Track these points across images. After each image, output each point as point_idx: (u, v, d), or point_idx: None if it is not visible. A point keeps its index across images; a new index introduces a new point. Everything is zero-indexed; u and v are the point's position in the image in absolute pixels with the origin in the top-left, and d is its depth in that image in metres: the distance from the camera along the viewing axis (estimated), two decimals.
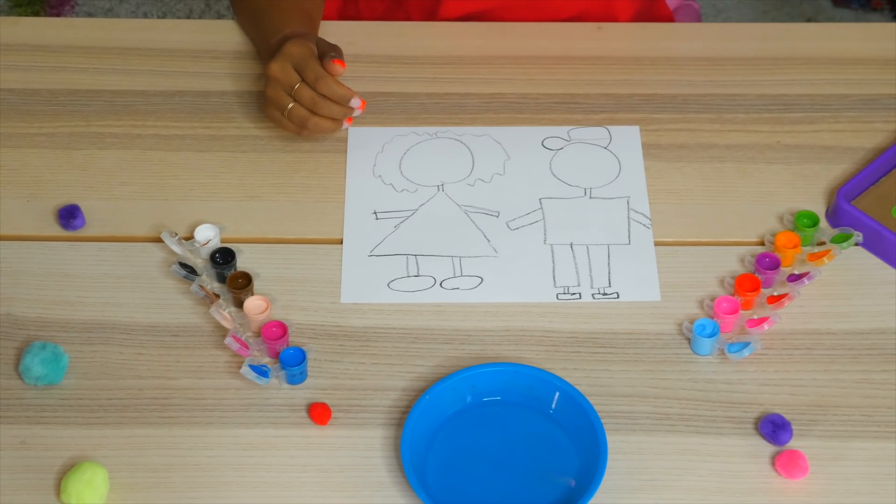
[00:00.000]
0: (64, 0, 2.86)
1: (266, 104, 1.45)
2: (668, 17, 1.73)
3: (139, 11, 2.83)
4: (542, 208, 1.44)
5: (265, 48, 1.51)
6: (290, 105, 1.43)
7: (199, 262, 1.38)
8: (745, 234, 1.42)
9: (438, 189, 1.46)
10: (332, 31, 1.62)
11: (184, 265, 1.36)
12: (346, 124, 1.45)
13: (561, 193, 1.45)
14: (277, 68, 1.42)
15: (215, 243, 1.39)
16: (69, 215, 1.41)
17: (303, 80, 1.42)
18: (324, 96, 1.42)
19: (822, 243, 1.39)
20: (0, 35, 1.61)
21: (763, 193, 1.45)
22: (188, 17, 2.77)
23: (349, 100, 1.43)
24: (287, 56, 1.43)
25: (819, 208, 1.44)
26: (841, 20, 2.75)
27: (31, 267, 1.39)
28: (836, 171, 1.47)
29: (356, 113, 1.44)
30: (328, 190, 1.46)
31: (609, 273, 1.38)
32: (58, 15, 2.81)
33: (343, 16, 1.73)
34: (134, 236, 1.42)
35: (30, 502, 1.22)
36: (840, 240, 1.37)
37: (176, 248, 1.38)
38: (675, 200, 1.45)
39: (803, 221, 1.39)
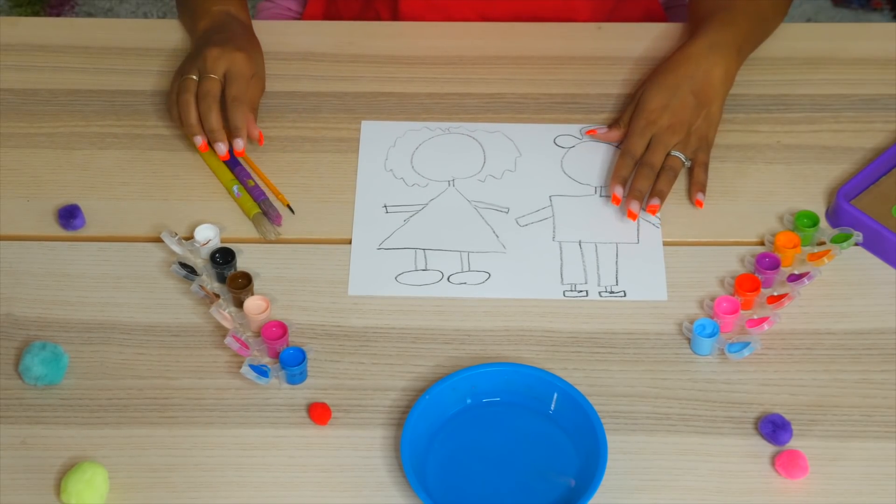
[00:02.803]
0: (64, 0, 2.86)
1: (178, 72, 1.48)
2: (660, 16, 1.73)
3: (139, 11, 2.83)
4: (551, 205, 1.44)
5: (200, 12, 1.53)
6: (193, 76, 1.44)
7: (199, 262, 1.38)
8: (745, 234, 1.42)
9: (449, 184, 1.46)
10: (331, 31, 1.62)
11: (184, 265, 1.36)
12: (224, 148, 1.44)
13: (571, 191, 1.45)
14: (213, 55, 1.44)
15: (215, 243, 1.39)
16: (69, 215, 1.41)
17: (223, 83, 1.45)
18: (217, 107, 1.43)
19: (822, 243, 1.39)
20: (0, 35, 1.61)
21: (763, 193, 1.45)
22: None
23: (236, 133, 1.43)
24: (230, 58, 1.45)
25: (819, 208, 1.43)
26: (841, 20, 2.75)
27: (31, 267, 1.39)
28: (836, 171, 1.47)
29: (221, 150, 1.44)
30: (328, 190, 1.45)
31: (617, 272, 1.38)
32: (58, 15, 2.81)
33: (326, 16, 1.73)
34: (134, 236, 1.42)
35: (30, 502, 1.22)
36: (840, 240, 1.37)
37: (176, 248, 1.38)
38: (676, 200, 1.45)
39: (803, 221, 1.39)
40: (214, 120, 1.43)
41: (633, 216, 1.40)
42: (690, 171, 1.45)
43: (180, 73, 1.47)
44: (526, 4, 1.64)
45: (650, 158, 1.43)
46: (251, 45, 1.50)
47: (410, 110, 1.53)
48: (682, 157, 1.43)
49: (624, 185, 1.42)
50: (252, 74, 1.47)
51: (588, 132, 1.48)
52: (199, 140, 1.44)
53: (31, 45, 1.60)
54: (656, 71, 1.49)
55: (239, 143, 1.43)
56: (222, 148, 1.43)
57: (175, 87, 1.46)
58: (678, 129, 1.44)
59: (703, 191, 1.43)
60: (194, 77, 1.45)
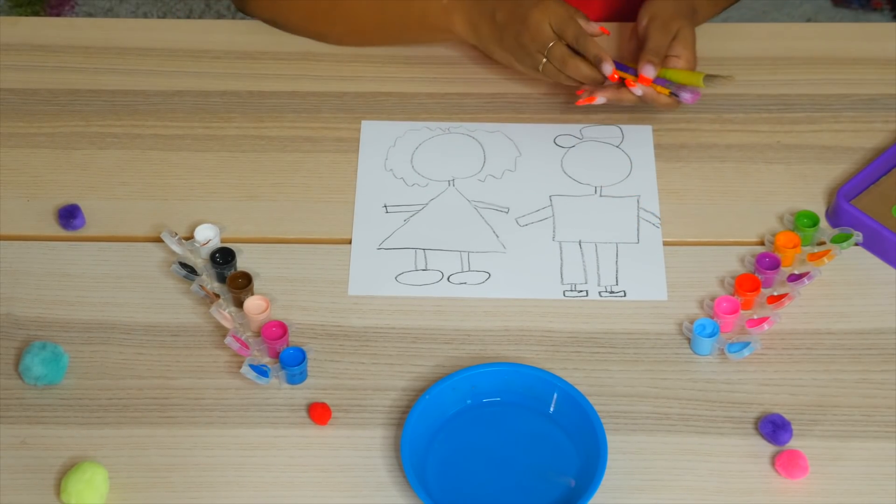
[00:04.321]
0: (64, 0, 2.86)
1: (517, 57, 1.47)
2: None
3: (139, 11, 2.83)
4: (551, 205, 1.44)
5: (429, 14, 1.52)
6: (543, 62, 1.44)
7: (199, 262, 1.38)
8: (745, 234, 1.42)
9: (449, 184, 1.46)
10: None
11: (184, 265, 1.36)
12: (599, 99, 1.45)
13: (571, 191, 1.45)
14: (532, 31, 1.43)
15: (215, 243, 1.39)
16: (69, 215, 1.41)
17: (558, 37, 1.43)
18: (576, 55, 1.43)
19: (822, 243, 1.39)
20: (0, 35, 1.61)
21: (763, 193, 1.45)
22: (188, 17, 2.77)
23: (601, 62, 1.43)
24: (539, 17, 1.43)
25: (819, 208, 1.44)
26: (841, 20, 2.75)
27: (31, 267, 1.39)
28: (836, 171, 1.47)
29: (599, 96, 1.45)
30: (328, 189, 1.46)
31: (617, 271, 1.38)
32: (58, 15, 2.81)
33: None
34: (134, 236, 1.42)
35: (30, 502, 1.22)
36: (840, 240, 1.37)
37: (176, 248, 1.38)
38: (675, 200, 1.45)
39: (803, 221, 1.39)
40: (586, 70, 1.43)
41: (646, 81, 1.43)
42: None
43: (527, 67, 1.46)
44: None
45: (684, 43, 1.45)
46: None
47: (410, 110, 1.53)
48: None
49: (655, 64, 1.44)
50: (573, 13, 1.45)
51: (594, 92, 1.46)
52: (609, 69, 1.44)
53: (31, 45, 1.60)
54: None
55: (607, 68, 1.43)
56: (606, 76, 1.44)
57: (539, 78, 1.48)
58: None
59: (656, 63, 1.44)
60: (546, 62, 1.44)
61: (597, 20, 1.65)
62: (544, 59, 1.44)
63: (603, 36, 1.47)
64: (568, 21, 1.44)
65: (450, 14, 1.51)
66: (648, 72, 1.43)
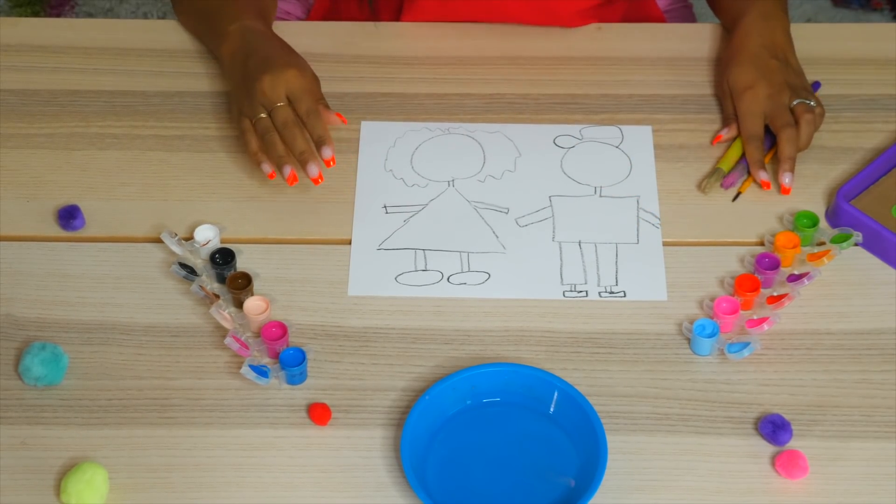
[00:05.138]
0: (64, 0, 2.86)
1: (238, 112, 1.44)
2: (658, 18, 1.73)
3: (139, 11, 2.83)
4: (551, 206, 1.44)
5: (219, 35, 1.50)
6: (262, 115, 1.41)
7: (199, 262, 1.38)
8: (745, 234, 1.42)
9: (449, 184, 1.46)
10: (332, 31, 1.63)
11: (184, 265, 1.36)
12: (315, 171, 1.39)
13: (571, 191, 1.45)
14: (268, 85, 1.41)
15: (215, 243, 1.39)
16: (69, 216, 1.41)
17: (291, 105, 1.41)
18: (300, 129, 1.40)
19: (822, 243, 1.39)
20: (0, 35, 1.61)
21: (763, 193, 1.45)
22: None
23: (321, 143, 1.39)
24: (284, 80, 1.41)
25: (819, 208, 1.44)
26: (841, 20, 2.75)
27: (31, 267, 1.39)
28: (835, 171, 1.47)
29: (313, 171, 1.39)
30: (328, 190, 1.45)
31: (616, 272, 1.38)
32: (58, 15, 2.81)
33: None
34: (134, 236, 1.42)
35: (30, 502, 1.22)
36: (840, 240, 1.37)
37: (176, 249, 1.38)
38: (675, 200, 1.45)
39: (803, 221, 1.39)
40: (302, 142, 1.40)
41: (786, 191, 1.43)
42: (779, 143, 1.45)
43: (244, 115, 1.42)
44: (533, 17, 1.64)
45: (783, 121, 1.45)
46: (286, 51, 1.47)
47: (410, 111, 1.53)
48: (806, 101, 1.46)
49: (765, 168, 1.44)
50: (309, 81, 1.43)
51: (714, 141, 1.48)
52: (288, 169, 1.39)
53: (31, 45, 1.60)
54: (727, 59, 1.51)
55: (327, 151, 1.39)
56: (314, 169, 1.39)
57: (249, 130, 1.42)
58: (782, 89, 1.46)
59: (791, 168, 1.44)
60: (264, 116, 1.41)
61: (599, 20, 1.65)
62: (263, 115, 1.41)
63: (341, 124, 1.45)
64: (306, 95, 1.41)
65: (226, 38, 1.49)
66: (763, 176, 1.44)
